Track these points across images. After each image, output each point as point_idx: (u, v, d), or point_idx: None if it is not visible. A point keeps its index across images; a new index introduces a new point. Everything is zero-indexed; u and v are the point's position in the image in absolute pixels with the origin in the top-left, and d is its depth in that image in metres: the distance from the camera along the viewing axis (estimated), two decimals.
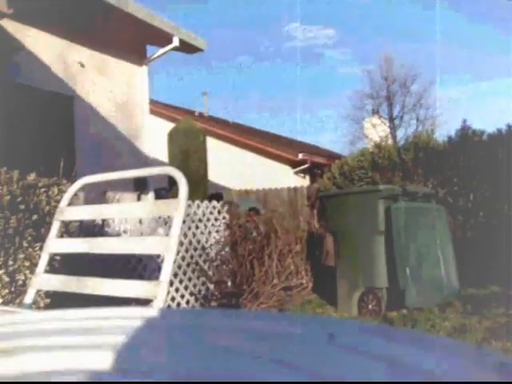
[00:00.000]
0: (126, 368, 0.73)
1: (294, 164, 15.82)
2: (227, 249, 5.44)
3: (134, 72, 8.43)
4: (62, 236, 2.92)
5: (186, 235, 5.09)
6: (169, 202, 1.80)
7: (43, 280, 2.01)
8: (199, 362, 0.71)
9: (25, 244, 3.18)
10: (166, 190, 8.03)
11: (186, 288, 5.02)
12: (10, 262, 3.10)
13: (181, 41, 8.23)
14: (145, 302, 1.69)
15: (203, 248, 5.27)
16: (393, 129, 29.16)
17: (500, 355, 1.02)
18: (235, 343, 0.79)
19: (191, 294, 5.06)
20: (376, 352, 0.72)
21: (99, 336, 0.87)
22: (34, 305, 2.31)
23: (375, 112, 26.82)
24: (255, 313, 2.89)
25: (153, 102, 10.81)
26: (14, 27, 6.21)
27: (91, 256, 3.88)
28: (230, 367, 0.68)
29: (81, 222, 3.89)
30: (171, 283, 4.72)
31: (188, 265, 5.06)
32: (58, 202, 2.29)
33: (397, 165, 6.10)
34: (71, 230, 3.52)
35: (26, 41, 6.39)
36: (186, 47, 8.67)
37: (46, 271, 2.03)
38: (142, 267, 5.07)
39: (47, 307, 3.06)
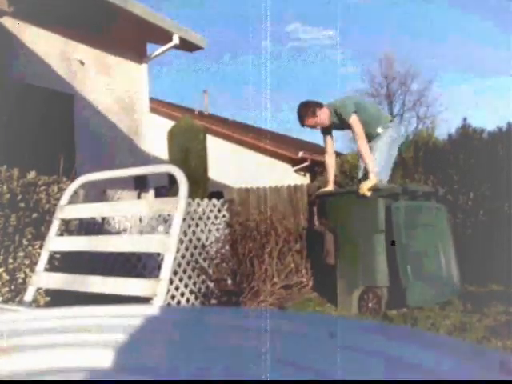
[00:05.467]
0: (127, 366, 0.73)
1: (294, 162, 15.82)
2: (227, 247, 5.45)
3: (135, 70, 8.43)
4: (61, 234, 2.93)
5: (186, 233, 5.09)
6: (169, 200, 1.80)
7: (43, 278, 2.01)
8: (200, 360, 0.71)
9: (25, 242, 3.18)
10: (166, 188, 8.03)
11: (185, 286, 5.02)
12: (10, 260, 3.10)
13: (181, 39, 8.22)
14: (145, 300, 1.69)
15: (203, 246, 5.27)
16: None
17: (500, 353, 1.02)
18: (235, 341, 0.79)
19: (191, 292, 5.06)
20: (376, 350, 0.72)
21: (99, 334, 0.87)
22: (34, 303, 2.32)
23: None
24: (255, 311, 2.90)
25: (153, 100, 10.80)
26: (14, 25, 6.20)
27: (91, 254, 3.89)
28: (230, 365, 0.68)
29: (81, 220, 3.90)
30: (171, 281, 4.72)
31: (188, 263, 5.06)
32: (58, 200, 2.29)
33: (397, 163, 6.09)
34: (71, 228, 3.52)
35: (26, 39, 6.39)
36: (187, 45, 8.67)
37: (46, 269, 2.03)
38: (141, 265, 5.07)
39: (47, 305, 3.06)
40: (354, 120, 4.79)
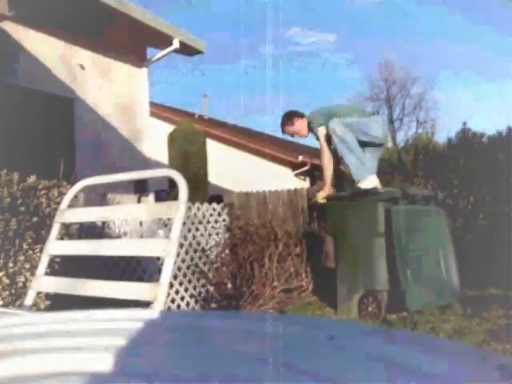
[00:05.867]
0: (127, 370, 0.73)
1: (294, 166, 15.82)
2: (227, 251, 5.44)
3: (135, 74, 8.44)
4: (62, 238, 2.93)
5: (186, 237, 5.09)
6: (169, 204, 1.80)
7: (43, 282, 2.01)
8: (199, 364, 0.71)
9: (25, 246, 3.18)
10: (166, 192, 8.04)
11: (186, 290, 5.02)
12: (11, 264, 3.10)
13: (181, 43, 8.23)
14: (145, 304, 1.69)
15: (203, 250, 5.27)
16: (393, 131, 29.21)
17: (500, 357, 1.02)
18: (235, 345, 0.79)
19: (191, 296, 5.06)
20: (376, 354, 0.72)
21: (99, 338, 0.87)
22: (35, 307, 2.31)
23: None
24: (255, 315, 2.89)
25: (153, 104, 10.81)
26: (14, 29, 6.22)
27: (91, 258, 3.89)
28: (229, 369, 0.68)
29: (81, 224, 3.89)
30: (171, 285, 4.72)
31: (188, 267, 5.06)
32: (59, 204, 2.29)
33: (397, 167, 6.12)
34: (71, 232, 3.52)
35: (26, 43, 6.40)
36: (186, 49, 8.67)
37: (47, 273, 2.03)
38: (141, 269, 5.07)
39: (47, 309, 3.06)
40: (319, 133, 4.98)
